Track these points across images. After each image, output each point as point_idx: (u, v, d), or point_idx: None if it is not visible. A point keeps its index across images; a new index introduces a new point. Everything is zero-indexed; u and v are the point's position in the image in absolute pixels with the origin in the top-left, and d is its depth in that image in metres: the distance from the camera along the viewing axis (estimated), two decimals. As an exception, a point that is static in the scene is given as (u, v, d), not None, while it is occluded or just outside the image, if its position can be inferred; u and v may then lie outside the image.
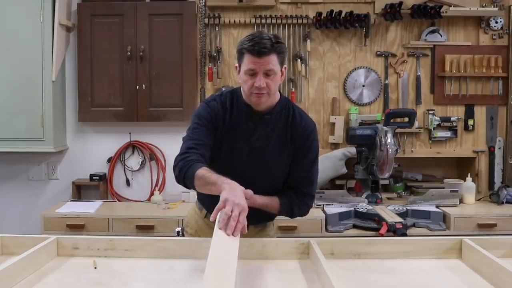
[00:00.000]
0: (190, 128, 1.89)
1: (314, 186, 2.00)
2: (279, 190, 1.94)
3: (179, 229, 2.26)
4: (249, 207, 1.59)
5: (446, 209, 3.16)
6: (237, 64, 1.87)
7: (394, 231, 2.81)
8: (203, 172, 1.70)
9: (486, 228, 3.06)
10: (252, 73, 1.78)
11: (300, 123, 1.92)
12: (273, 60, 1.77)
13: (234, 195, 1.57)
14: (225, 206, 1.54)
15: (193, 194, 3.45)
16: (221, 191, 1.60)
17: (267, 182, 1.91)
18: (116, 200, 3.60)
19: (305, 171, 1.94)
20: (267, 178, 1.91)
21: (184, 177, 1.75)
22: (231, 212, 1.51)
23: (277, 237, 2.83)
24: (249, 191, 1.72)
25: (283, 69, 1.86)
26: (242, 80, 1.83)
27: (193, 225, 2.11)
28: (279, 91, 1.96)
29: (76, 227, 3.08)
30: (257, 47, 1.74)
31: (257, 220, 1.98)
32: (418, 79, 3.60)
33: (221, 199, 1.57)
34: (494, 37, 3.58)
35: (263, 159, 1.89)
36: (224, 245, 1.46)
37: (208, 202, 1.95)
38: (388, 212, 3.05)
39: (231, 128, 1.89)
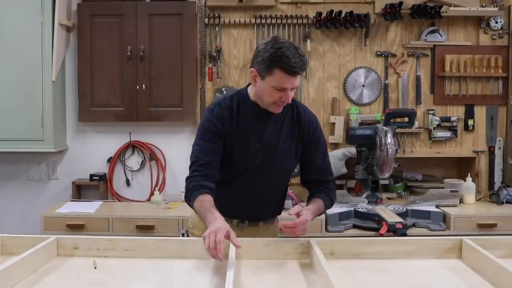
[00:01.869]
0: (196, 143, 1.94)
1: (332, 171, 2.14)
2: (287, 182, 2.08)
3: (183, 231, 2.26)
4: (260, 205, 1.93)
5: (446, 209, 3.15)
6: (254, 70, 1.85)
7: (394, 231, 2.81)
8: (198, 204, 1.81)
9: (486, 228, 3.06)
10: (282, 89, 1.81)
11: (304, 117, 2.01)
12: (299, 78, 1.83)
13: (215, 227, 1.63)
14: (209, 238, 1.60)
15: (193, 194, 3.46)
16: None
17: (279, 176, 2.01)
18: (116, 200, 3.60)
19: (323, 160, 2.06)
20: (279, 172, 2.01)
21: (189, 202, 1.89)
22: (215, 240, 1.57)
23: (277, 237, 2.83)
24: (303, 218, 1.82)
25: None
26: (267, 92, 1.84)
27: (201, 225, 2.00)
28: None
29: (76, 227, 3.08)
30: (294, 68, 1.76)
31: (268, 217, 2.12)
32: (418, 79, 3.60)
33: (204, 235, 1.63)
34: (494, 37, 3.58)
35: (276, 155, 1.96)
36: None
37: (223, 206, 1.92)
38: (388, 212, 3.05)
39: (241, 129, 1.93)
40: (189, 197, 1.86)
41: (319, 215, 2.08)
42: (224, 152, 1.92)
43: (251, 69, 1.87)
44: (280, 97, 1.83)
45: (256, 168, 1.95)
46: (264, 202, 2.04)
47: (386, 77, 3.60)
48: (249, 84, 1.97)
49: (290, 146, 1.99)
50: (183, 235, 2.22)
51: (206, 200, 1.80)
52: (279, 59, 1.76)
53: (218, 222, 1.66)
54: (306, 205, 1.99)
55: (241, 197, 1.99)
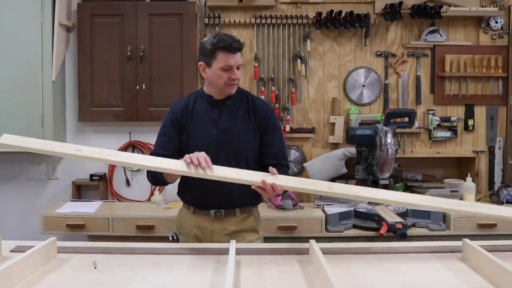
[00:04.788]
0: (158, 135, 2.21)
1: (287, 159, 2.30)
2: (253, 169, 2.00)
3: (171, 233, 2.27)
4: (228, 190, 2.02)
5: (446, 209, 3.15)
6: (202, 63, 2.11)
7: (394, 231, 2.81)
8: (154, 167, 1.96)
9: (486, 228, 3.06)
10: (228, 68, 2.05)
11: (259, 104, 2.21)
12: (240, 56, 2.08)
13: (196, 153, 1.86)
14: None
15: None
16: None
17: (240, 160, 2.10)
18: (116, 200, 3.60)
19: (279, 146, 2.19)
20: (238, 155, 2.11)
21: (151, 175, 2.09)
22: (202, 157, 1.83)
23: (277, 237, 2.86)
24: (275, 186, 1.84)
25: None
26: (216, 75, 2.07)
27: (186, 225, 2.21)
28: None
29: (76, 227, 3.08)
30: (233, 45, 2.04)
31: (241, 201, 2.15)
32: (418, 79, 3.60)
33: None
34: (494, 37, 3.58)
35: (233, 138, 2.12)
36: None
37: (194, 199, 2.19)
38: (388, 212, 3.05)
39: (196, 117, 2.15)
40: (149, 173, 2.10)
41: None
42: (181, 140, 2.14)
43: (199, 63, 2.13)
44: (228, 76, 2.05)
45: (215, 152, 2.03)
46: (230, 187, 2.01)
47: (386, 77, 3.60)
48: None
49: (246, 131, 2.13)
50: (172, 238, 2.24)
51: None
52: (218, 43, 2.04)
53: (202, 152, 1.86)
54: None
55: (208, 184, 1.93)
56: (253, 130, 2.15)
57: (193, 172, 1.81)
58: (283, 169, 2.10)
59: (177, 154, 2.09)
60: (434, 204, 1.83)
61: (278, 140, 2.20)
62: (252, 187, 1.84)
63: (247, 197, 2.12)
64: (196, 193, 2.14)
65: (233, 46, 2.03)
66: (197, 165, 1.81)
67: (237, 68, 2.07)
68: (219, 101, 2.16)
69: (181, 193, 2.23)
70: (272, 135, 2.17)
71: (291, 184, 1.88)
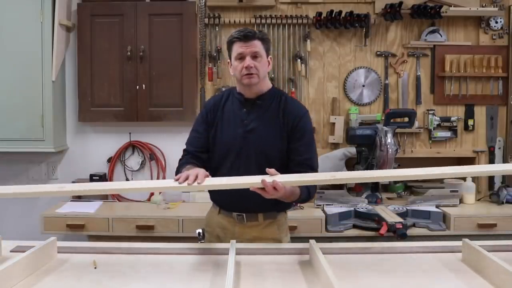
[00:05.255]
0: (191, 130, 2.20)
1: (317, 167, 2.09)
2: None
3: (200, 230, 2.27)
4: (250, 194, 1.78)
5: (446, 209, 3.15)
6: (228, 60, 2.11)
7: (394, 231, 2.81)
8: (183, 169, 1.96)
9: (486, 228, 3.06)
10: (241, 57, 2.01)
11: (291, 106, 2.09)
12: (258, 45, 2.01)
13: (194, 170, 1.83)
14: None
15: (192, 194, 3.46)
16: None
17: (263, 162, 1.96)
18: (116, 200, 3.59)
19: (306, 153, 2.05)
20: (262, 158, 2.01)
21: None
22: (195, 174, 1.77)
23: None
24: (277, 184, 1.74)
25: (269, 59, 2.08)
26: (234, 68, 2.05)
27: (211, 224, 2.23)
28: (273, 85, 2.17)
29: (76, 227, 3.08)
30: (243, 33, 2.00)
31: (264, 209, 2.08)
32: (418, 79, 3.60)
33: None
34: (494, 37, 3.58)
35: (257, 139, 2.04)
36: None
37: (219, 199, 2.19)
38: (388, 212, 3.05)
39: (226, 115, 2.11)
40: (178, 171, 2.03)
41: (290, 201, 2.01)
42: (209, 135, 2.11)
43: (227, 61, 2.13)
44: (242, 66, 1.99)
45: (238, 152, 2.03)
46: (249, 191, 1.93)
47: (386, 77, 3.60)
48: None
49: (273, 132, 2.04)
50: (199, 234, 2.24)
51: (192, 166, 1.98)
52: (232, 35, 2.04)
53: (197, 168, 1.84)
54: None
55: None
56: (281, 133, 2.04)
57: (182, 186, 1.74)
58: None
59: (206, 151, 2.11)
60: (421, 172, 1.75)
61: (306, 146, 2.05)
62: (250, 189, 1.76)
63: (268, 203, 1.95)
64: (221, 194, 2.12)
65: (243, 34, 2.00)
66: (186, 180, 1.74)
67: (254, 57, 2.00)
68: (249, 100, 2.09)
69: (210, 191, 2.21)
70: (300, 141, 2.05)
71: (293, 179, 1.79)
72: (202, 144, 2.12)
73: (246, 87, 2.05)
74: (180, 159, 2.14)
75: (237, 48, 2.01)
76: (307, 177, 1.84)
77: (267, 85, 2.12)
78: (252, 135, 2.05)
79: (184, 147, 2.18)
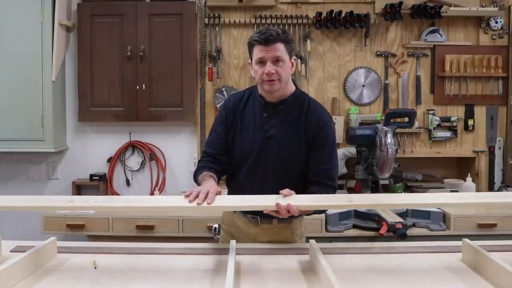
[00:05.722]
0: (210, 130, 2.13)
1: (336, 178, 2.02)
2: (294, 182, 1.91)
3: (216, 225, 2.27)
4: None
5: (446, 209, 3.15)
6: (250, 60, 1.98)
7: (394, 231, 2.81)
8: (200, 177, 1.94)
9: (486, 228, 3.05)
10: (262, 61, 1.89)
11: (314, 113, 1.99)
12: (280, 48, 1.88)
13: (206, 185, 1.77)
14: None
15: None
16: None
17: (280, 168, 1.96)
18: (116, 200, 3.59)
19: (326, 163, 1.97)
20: (280, 164, 1.97)
21: (195, 179, 2.00)
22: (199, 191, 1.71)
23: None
24: (291, 208, 1.67)
25: (292, 60, 1.96)
26: (254, 71, 1.94)
27: (226, 222, 2.21)
28: (296, 86, 2.07)
29: (76, 227, 3.08)
30: (263, 36, 1.86)
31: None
32: (418, 79, 3.60)
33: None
34: (494, 37, 3.58)
35: (276, 146, 1.96)
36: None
37: None
38: (388, 212, 3.04)
39: (246, 118, 2.02)
40: (196, 175, 1.99)
41: (307, 215, 2.00)
42: (228, 137, 2.03)
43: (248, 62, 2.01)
44: (263, 71, 1.88)
45: (255, 158, 1.98)
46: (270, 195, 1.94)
47: (386, 77, 3.60)
48: None
49: (293, 140, 1.96)
50: (214, 229, 2.25)
51: (207, 174, 1.93)
52: (252, 36, 1.91)
53: (209, 184, 1.79)
54: None
55: (247, 189, 1.95)
56: (301, 141, 1.96)
57: (191, 207, 1.68)
58: (323, 189, 1.92)
59: (225, 153, 2.04)
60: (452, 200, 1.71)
61: (326, 155, 1.96)
62: (264, 211, 1.70)
63: None
64: (236, 194, 2.02)
65: (263, 37, 1.85)
66: (196, 198, 1.68)
67: (276, 62, 1.88)
68: (270, 104, 1.99)
69: (229, 190, 2.15)
70: (320, 150, 1.96)
71: (308, 203, 1.72)
72: (221, 146, 2.04)
73: (267, 91, 1.96)
74: (199, 161, 2.08)
75: (258, 52, 1.88)
76: (322, 200, 1.78)
77: (290, 88, 2.02)
78: (271, 142, 1.97)
79: (204, 147, 2.12)
